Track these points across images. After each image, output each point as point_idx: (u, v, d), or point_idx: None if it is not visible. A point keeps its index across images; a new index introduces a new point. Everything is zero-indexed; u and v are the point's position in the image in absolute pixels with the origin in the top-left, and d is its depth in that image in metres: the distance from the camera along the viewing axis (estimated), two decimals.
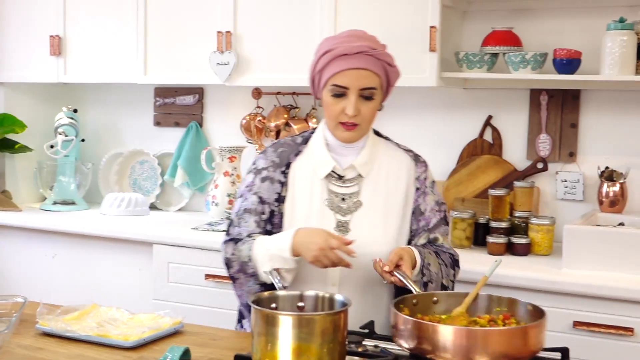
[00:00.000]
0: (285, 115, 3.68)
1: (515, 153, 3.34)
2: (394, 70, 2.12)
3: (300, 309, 1.60)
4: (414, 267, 2.01)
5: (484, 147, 3.38)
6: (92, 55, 3.78)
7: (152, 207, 4.00)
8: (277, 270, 1.98)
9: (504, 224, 3.07)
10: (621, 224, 2.92)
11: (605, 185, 3.07)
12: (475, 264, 2.80)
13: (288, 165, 2.15)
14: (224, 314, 2.98)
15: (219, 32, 3.44)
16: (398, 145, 2.24)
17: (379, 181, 2.16)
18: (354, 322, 1.83)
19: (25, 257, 3.72)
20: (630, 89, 3.10)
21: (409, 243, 2.17)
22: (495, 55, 3.10)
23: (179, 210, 4.00)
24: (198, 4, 3.51)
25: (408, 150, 2.24)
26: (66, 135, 3.95)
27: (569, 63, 2.97)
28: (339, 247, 1.96)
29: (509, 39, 3.07)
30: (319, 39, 3.19)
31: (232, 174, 3.67)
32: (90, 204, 4.04)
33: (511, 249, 3.03)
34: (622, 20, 2.88)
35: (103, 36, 3.74)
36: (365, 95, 2.05)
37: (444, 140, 3.45)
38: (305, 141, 2.20)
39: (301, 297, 1.71)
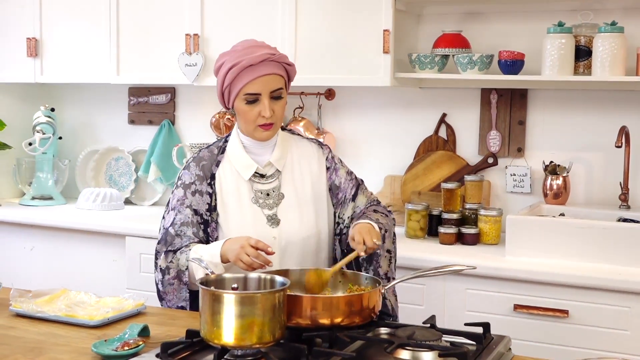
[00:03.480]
0: None
1: (468, 149, 3.54)
2: (292, 68, 2.35)
3: (234, 289, 1.78)
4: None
5: (439, 143, 3.58)
6: (67, 56, 3.95)
7: (127, 201, 4.18)
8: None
9: (455, 216, 3.27)
10: (562, 215, 3.13)
11: (549, 178, 3.28)
12: (427, 253, 3.02)
13: (212, 177, 2.34)
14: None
15: (187, 34, 3.62)
16: (302, 136, 2.50)
17: (294, 171, 2.39)
18: None
19: (4, 250, 3.89)
20: (571, 88, 3.30)
21: (334, 216, 2.42)
22: (445, 56, 3.30)
23: (153, 204, 4.17)
24: (167, 8, 3.69)
25: (312, 139, 2.50)
26: (44, 133, 4.12)
27: (513, 64, 3.17)
28: (257, 243, 2.11)
29: (458, 41, 3.27)
30: (281, 42, 3.41)
31: None
32: (67, 199, 4.21)
33: (461, 239, 3.23)
34: (560, 24, 3.08)
35: (77, 38, 3.91)
36: (275, 96, 2.27)
37: (402, 136, 3.64)
38: (222, 150, 2.38)
39: (245, 280, 1.89)
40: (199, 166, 2.36)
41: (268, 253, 2.12)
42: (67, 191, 4.28)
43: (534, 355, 2.27)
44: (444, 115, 3.56)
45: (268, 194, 2.34)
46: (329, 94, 3.75)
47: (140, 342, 1.89)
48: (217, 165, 2.36)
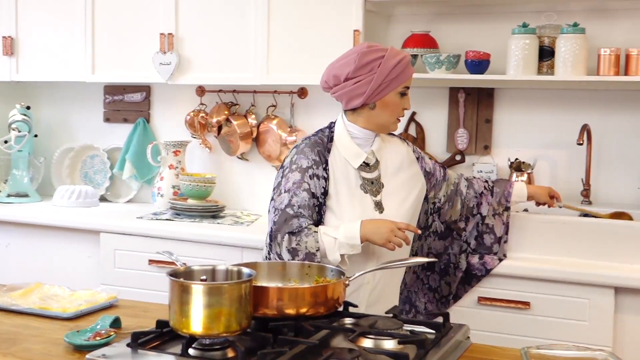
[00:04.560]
0: (226, 112, 3.93)
1: (437, 146, 3.63)
2: None
3: (203, 281, 1.84)
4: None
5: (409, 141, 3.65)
6: (43, 55, 4.00)
7: (103, 199, 4.22)
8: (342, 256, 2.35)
9: None
10: (525, 210, 3.22)
11: (514, 175, 3.37)
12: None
13: (326, 162, 2.46)
14: (166, 295, 3.21)
15: (161, 34, 3.68)
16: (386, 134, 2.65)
17: (388, 162, 2.56)
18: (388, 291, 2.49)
19: None
20: (536, 88, 3.40)
21: (426, 199, 2.68)
22: (414, 56, 3.38)
23: (128, 201, 4.23)
24: (142, 7, 3.75)
25: (395, 135, 2.68)
26: (19, 131, 4.16)
27: (479, 64, 3.26)
28: (407, 227, 2.39)
29: (426, 41, 3.36)
30: (254, 41, 3.48)
31: (177, 167, 3.92)
32: (43, 197, 4.25)
33: None
34: (525, 26, 3.17)
35: (53, 37, 3.96)
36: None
37: None
38: (330, 139, 2.52)
39: (213, 271, 1.96)
40: (314, 151, 2.46)
41: (417, 232, 2.48)
42: (42, 188, 4.32)
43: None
44: (414, 113, 3.65)
45: (372, 182, 2.51)
46: (302, 92, 3.82)
47: (112, 333, 1.96)
48: (329, 151, 2.49)
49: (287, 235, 2.37)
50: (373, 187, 2.51)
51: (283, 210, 2.39)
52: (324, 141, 2.51)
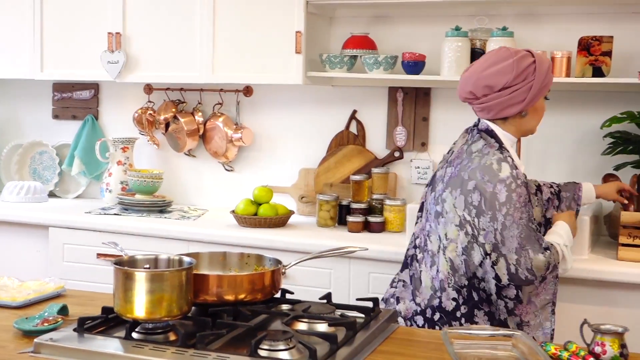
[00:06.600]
0: (174, 109, 4.03)
1: (377, 143, 3.78)
2: None
3: (146, 269, 1.96)
4: None
5: (350, 138, 3.81)
6: None
7: (52, 194, 4.29)
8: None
9: (362, 205, 3.50)
10: None
11: None
12: (335, 240, 3.22)
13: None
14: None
15: (109, 33, 3.77)
16: None
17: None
18: None
19: None
20: None
21: None
22: (354, 57, 3.53)
23: (77, 197, 4.30)
24: (90, 7, 3.83)
25: None
26: None
27: (414, 65, 3.42)
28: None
29: (365, 43, 3.50)
30: (199, 41, 3.59)
31: (125, 163, 4.01)
32: None
33: (368, 227, 3.46)
34: (457, 29, 3.33)
35: (1, 35, 4.01)
36: None
37: (315, 131, 3.86)
38: (504, 152, 2.48)
39: (156, 260, 2.08)
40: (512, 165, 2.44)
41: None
42: None
43: None
44: (355, 111, 3.79)
45: None
46: (247, 91, 3.94)
47: (59, 319, 2.06)
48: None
49: (541, 253, 2.39)
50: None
51: (526, 225, 2.39)
52: (507, 158, 2.44)
